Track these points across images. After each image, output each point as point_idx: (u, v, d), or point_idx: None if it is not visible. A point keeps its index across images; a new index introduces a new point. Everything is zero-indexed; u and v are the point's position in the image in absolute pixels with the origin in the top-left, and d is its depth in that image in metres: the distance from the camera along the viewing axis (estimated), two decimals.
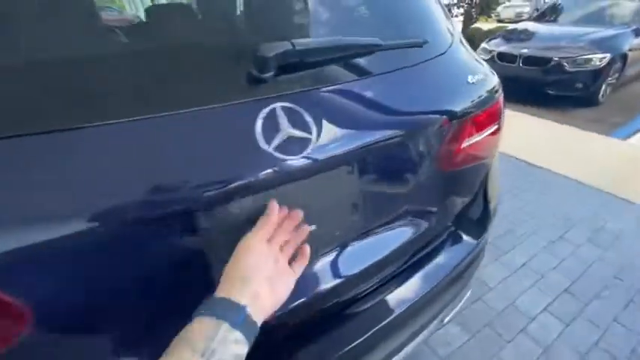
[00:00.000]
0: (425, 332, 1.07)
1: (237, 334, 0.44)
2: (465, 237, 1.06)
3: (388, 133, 0.71)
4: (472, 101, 0.86)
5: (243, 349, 0.45)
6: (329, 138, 0.62)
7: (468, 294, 1.31)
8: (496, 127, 0.99)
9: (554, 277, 1.95)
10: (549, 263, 2.04)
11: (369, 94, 0.71)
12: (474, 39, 8.21)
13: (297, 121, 0.59)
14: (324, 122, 0.62)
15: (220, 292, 0.47)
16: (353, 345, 0.79)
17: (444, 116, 0.80)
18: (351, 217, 0.76)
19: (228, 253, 0.52)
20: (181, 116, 0.52)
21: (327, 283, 0.75)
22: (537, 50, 4.65)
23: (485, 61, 5.25)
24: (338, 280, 0.76)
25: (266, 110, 0.57)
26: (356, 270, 0.79)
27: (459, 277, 1.06)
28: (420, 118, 0.77)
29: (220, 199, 0.54)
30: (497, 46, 5.11)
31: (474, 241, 1.05)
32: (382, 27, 0.81)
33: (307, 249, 0.61)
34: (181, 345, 0.42)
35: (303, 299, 0.71)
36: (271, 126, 0.57)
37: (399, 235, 0.88)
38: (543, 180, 2.92)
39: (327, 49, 0.63)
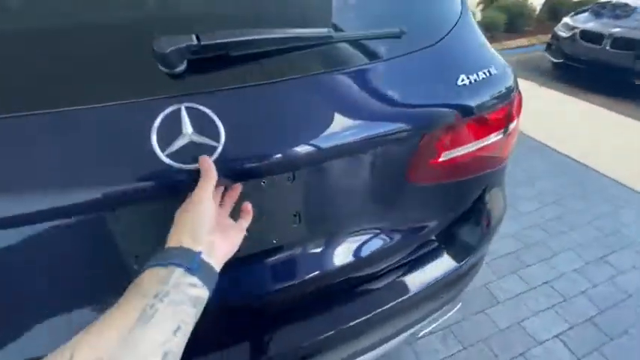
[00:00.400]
0: (392, 342, 1.02)
1: (193, 279, 0.43)
2: (446, 255, 0.95)
3: (324, 143, 0.61)
4: (458, 108, 0.72)
5: (203, 293, 0.43)
6: (240, 148, 0.55)
7: (454, 309, 1.20)
8: (497, 137, 0.83)
9: (580, 303, 1.73)
10: (578, 286, 1.81)
11: (303, 95, 0.61)
12: (559, 9, 7.09)
13: (202, 126, 0.52)
14: (237, 128, 0.55)
15: (171, 243, 0.46)
16: (306, 342, 0.77)
17: (408, 125, 0.68)
18: (291, 226, 0.70)
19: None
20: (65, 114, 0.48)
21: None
22: (632, 30, 3.87)
23: (564, 40, 4.60)
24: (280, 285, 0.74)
25: (167, 111, 0.51)
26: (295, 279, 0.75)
27: (435, 294, 0.97)
28: (371, 127, 0.65)
29: (106, 201, 0.51)
30: (583, 22, 4.36)
31: (455, 263, 0.94)
32: (350, 12, 0.69)
33: (249, 205, 0.58)
34: (131, 293, 0.41)
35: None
36: (170, 129, 0.51)
37: (355, 246, 0.80)
38: (598, 187, 2.53)
39: (242, 44, 0.54)
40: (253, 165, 0.57)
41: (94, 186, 0.50)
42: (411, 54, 0.70)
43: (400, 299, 0.86)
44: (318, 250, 0.77)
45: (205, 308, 0.45)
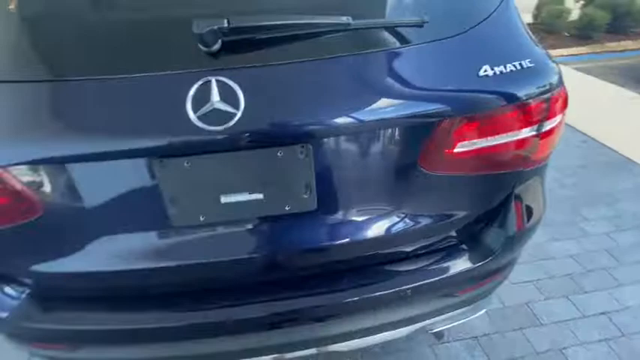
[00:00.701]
0: (398, 331, 1.03)
1: None
2: (461, 254, 0.93)
3: (337, 121, 0.67)
4: (476, 99, 0.72)
5: None
6: (255, 117, 0.64)
7: (475, 315, 1.16)
8: (527, 135, 0.79)
9: None
10: None
11: (319, 75, 0.68)
12: None
13: (227, 96, 0.62)
14: (255, 100, 0.63)
15: None
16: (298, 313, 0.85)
17: (419, 109, 0.70)
18: (302, 196, 0.77)
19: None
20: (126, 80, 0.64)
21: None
22: None
23: None
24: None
25: (200, 82, 0.62)
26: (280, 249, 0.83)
27: (445, 290, 0.96)
28: (382, 108, 0.69)
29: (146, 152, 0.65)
30: None
31: (470, 264, 0.91)
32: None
33: None
34: None
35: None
36: (202, 96, 0.62)
37: (355, 226, 0.84)
38: None
39: (266, 28, 0.62)
40: (265, 133, 0.66)
41: (141, 136, 0.65)
42: (434, 42, 0.72)
43: (406, 285, 0.88)
44: (327, 223, 0.83)
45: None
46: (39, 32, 0.70)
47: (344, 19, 0.64)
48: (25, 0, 0.70)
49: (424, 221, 0.87)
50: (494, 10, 0.77)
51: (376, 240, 0.85)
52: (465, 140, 0.76)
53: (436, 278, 0.89)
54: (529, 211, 0.97)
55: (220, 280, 0.86)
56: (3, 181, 0.68)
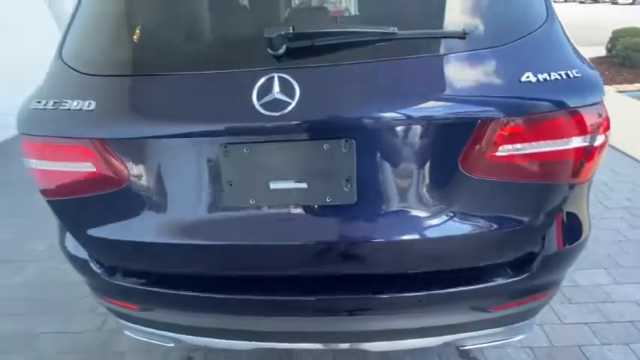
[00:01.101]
0: (427, 340, 1.05)
1: None
2: (496, 268, 0.94)
3: (380, 119, 0.78)
4: (516, 103, 0.76)
5: None
6: (307, 108, 0.76)
7: (512, 339, 1.13)
8: (567, 147, 0.80)
9: None
10: None
11: (366, 77, 0.79)
12: None
13: (286, 89, 0.77)
14: (309, 93, 0.76)
15: None
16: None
17: (460, 109, 0.77)
18: (342, 189, 0.84)
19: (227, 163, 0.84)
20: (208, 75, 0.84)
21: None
22: None
23: None
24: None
25: (266, 77, 0.78)
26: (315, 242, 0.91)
27: (476, 303, 0.97)
28: (425, 108, 0.77)
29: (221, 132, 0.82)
30: None
31: (503, 279, 0.92)
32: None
33: None
34: None
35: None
36: (266, 88, 0.77)
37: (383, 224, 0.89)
38: None
39: (324, 34, 0.78)
40: (314, 123, 0.78)
41: (216, 120, 0.82)
42: (478, 50, 0.79)
43: (436, 290, 0.91)
44: (364, 218, 0.89)
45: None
46: (144, 38, 0.96)
47: (391, 29, 0.76)
48: (132, 16, 0.98)
49: (459, 227, 0.88)
50: (540, 26, 0.82)
51: (410, 241, 0.89)
52: (506, 144, 0.79)
53: (467, 287, 0.91)
54: (571, 231, 0.96)
55: (258, 263, 0.96)
56: (106, 153, 0.88)
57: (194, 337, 1.11)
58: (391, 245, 0.90)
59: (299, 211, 0.89)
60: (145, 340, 1.23)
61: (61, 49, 0.97)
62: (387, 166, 0.85)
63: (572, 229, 0.96)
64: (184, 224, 0.93)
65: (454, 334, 1.04)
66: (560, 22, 0.85)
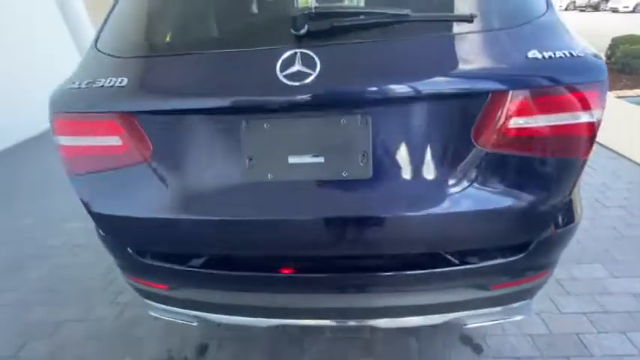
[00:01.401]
0: (430, 317, 1.13)
1: None
2: (497, 246, 1.02)
3: (395, 95, 0.82)
4: (522, 77, 0.82)
5: None
6: (327, 79, 0.82)
7: (512, 318, 1.20)
8: (570, 121, 0.83)
9: None
10: None
11: (382, 55, 0.85)
12: None
13: (307, 62, 0.84)
14: (328, 67, 0.83)
15: None
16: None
17: (472, 82, 0.82)
18: (358, 163, 0.88)
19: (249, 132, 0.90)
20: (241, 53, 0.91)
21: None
22: None
23: None
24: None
25: (289, 52, 0.85)
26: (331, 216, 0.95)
27: (477, 281, 1.05)
28: (436, 83, 0.82)
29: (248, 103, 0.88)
30: None
31: (503, 257, 1.00)
32: None
33: None
34: None
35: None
36: (289, 62, 0.85)
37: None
38: None
39: (343, 14, 0.88)
40: (332, 95, 0.83)
41: (241, 93, 0.88)
42: (487, 31, 0.87)
43: (442, 265, 0.99)
44: (379, 193, 0.91)
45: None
46: (173, 22, 1.07)
47: (405, 11, 0.85)
48: (163, 2, 1.12)
49: (474, 201, 0.90)
50: (542, 14, 0.90)
51: (423, 216, 0.90)
52: (517, 117, 0.83)
53: (470, 266, 0.99)
54: (567, 215, 1.03)
55: (274, 237, 0.99)
56: (132, 128, 0.94)
57: (218, 315, 1.19)
58: (404, 220, 0.92)
59: (315, 186, 0.92)
60: (170, 319, 1.32)
61: (96, 42, 1.06)
62: (402, 142, 0.88)
63: (568, 213, 1.04)
64: (204, 199, 0.97)
65: (458, 311, 1.12)
66: (558, 14, 0.91)
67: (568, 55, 0.82)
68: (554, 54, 0.82)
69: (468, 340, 1.61)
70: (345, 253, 1.02)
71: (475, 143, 0.87)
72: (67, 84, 1.00)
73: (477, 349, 1.56)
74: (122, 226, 1.07)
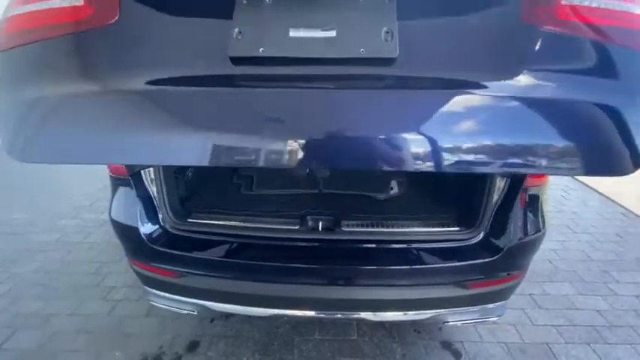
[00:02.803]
0: (411, 313, 1.23)
1: None
2: (472, 246, 1.16)
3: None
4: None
5: None
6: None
7: (488, 317, 1.32)
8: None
9: None
10: None
11: None
12: None
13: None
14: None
15: None
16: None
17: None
18: (381, 39, 0.72)
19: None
20: None
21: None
22: None
23: None
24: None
25: None
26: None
27: (454, 278, 1.16)
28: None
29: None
30: None
31: (480, 258, 1.14)
32: None
33: None
34: None
35: None
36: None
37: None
38: None
39: None
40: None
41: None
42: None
43: (419, 265, 1.12)
44: (404, 77, 0.75)
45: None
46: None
47: None
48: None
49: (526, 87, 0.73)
50: None
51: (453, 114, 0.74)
52: None
53: (450, 264, 1.13)
54: (534, 224, 1.18)
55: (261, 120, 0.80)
56: None
57: (219, 303, 1.26)
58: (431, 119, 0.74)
59: (321, 66, 0.74)
60: (170, 308, 1.37)
61: None
62: (434, 19, 0.74)
63: (534, 223, 1.20)
64: (172, 68, 0.80)
65: (439, 308, 1.23)
66: None
67: None
68: None
69: (448, 345, 1.71)
70: (333, 248, 1.14)
71: (524, 20, 0.73)
72: None
73: (456, 353, 1.67)
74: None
